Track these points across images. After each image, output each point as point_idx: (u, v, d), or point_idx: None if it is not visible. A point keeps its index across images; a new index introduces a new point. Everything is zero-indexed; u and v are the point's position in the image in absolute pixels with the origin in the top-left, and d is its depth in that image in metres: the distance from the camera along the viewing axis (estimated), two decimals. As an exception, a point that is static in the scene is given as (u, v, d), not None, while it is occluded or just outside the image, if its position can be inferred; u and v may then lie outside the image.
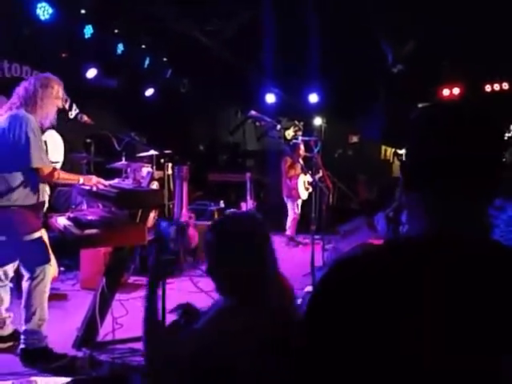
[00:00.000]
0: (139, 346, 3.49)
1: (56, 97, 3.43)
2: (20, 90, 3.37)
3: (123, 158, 5.90)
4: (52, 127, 4.19)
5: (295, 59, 8.62)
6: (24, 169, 3.24)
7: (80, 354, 3.27)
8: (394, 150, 12.60)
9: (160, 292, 2.32)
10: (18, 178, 3.26)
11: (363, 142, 11.53)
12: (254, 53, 8.63)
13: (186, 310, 2.12)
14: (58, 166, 3.95)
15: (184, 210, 6.67)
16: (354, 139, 12.00)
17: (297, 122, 11.64)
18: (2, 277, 3.52)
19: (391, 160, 12.99)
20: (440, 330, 0.79)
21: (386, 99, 10.00)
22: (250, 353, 1.56)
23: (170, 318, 2.14)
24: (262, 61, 8.75)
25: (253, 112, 4.95)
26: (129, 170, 5.98)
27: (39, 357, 3.22)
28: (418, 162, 0.91)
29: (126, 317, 4.18)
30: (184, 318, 2.04)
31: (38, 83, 3.36)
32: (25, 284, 3.33)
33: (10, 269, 3.58)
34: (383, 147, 12.32)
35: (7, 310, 3.58)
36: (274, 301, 1.68)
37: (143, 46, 7.81)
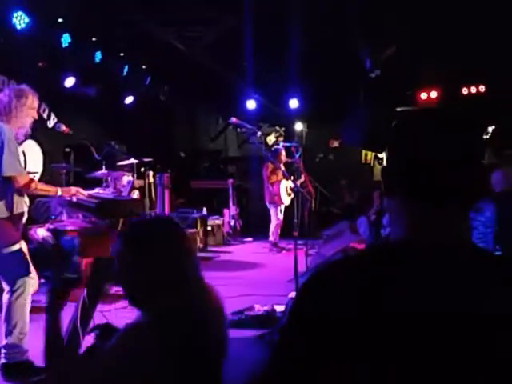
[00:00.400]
0: (122, 357, 3.45)
1: (31, 107, 3.41)
2: None
3: (103, 167, 5.86)
4: (31, 137, 4.15)
5: (275, 65, 8.65)
6: None
7: (62, 368, 3.21)
8: (374, 153, 12.70)
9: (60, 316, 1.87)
10: None
11: (344, 146, 11.61)
12: (234, 59, 8.64)
13: (104, 330, 1.92)
14: (37, 176, 3.90)
15: (166, 218, 6.64)
16: (335, 144, 12.08)
17: (278, 128, 11.70)
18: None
19: (372, 164, 13.10)
20: (418, 339, 0.79)
21: (366, 104, 10.08)
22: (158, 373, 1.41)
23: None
24: (242, 67, 8.77)
25: (233, 119, 4.95)
26: (109, 179, 5.95)
27: (20, 371, 3.16)
28: (397, 167, 0.91)
29: (109, 328, 4.13)
30: (101, 340, 1.83)
31: (13, 94, 3.36)
32: (5, 297, 3.27)
33: None
34: (364, 151, 12.41)
35: None
36: (195, 312, 1.54)
37: (121, 54, 7.77)
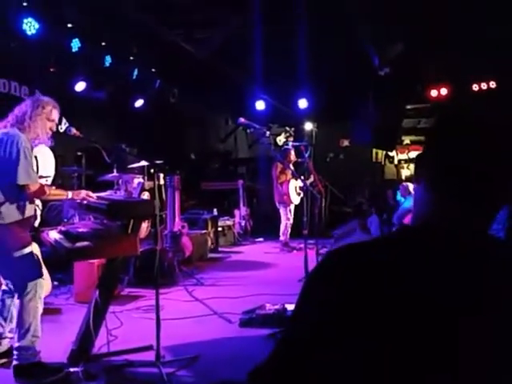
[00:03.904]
0: (134, 356, 3.49)
1: (47, 117, 3.40)
2: (16, 109, 3.40)
3: (114, 170, 5.91)
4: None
5: (283, 66, 8.67)
6: (11, 185, 3.22)
7: (75, 367, 3.25)
8: (385, 152, 12.65)
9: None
10: (5, 193, 3.25)
11: (354, 145, 11.58)
12: (243, 60, 8.66)
13: None
14: (50, 180, 3.94)
15: (177, 219, 6.67)
16: (345, 143, 12.05)
17: (287, 128, 11.71)
18: (7, 288, 3.49)
19: (383, 162, 13.04)
20: (413, 324, 0.81)
21: (375, 102, 10.05)
22: None
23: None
24: (250, 68, 8.79)
25: (241, 119, 4.97)
26: (120, 181, 6.00)
27: (34, 372, 3.20)
28: (437, 162, 0.92)
29: (121, 328, 4.18)
30: None
31: (30, 103, 3.39)
32: (16, 301, 3.30)
33: None
34: (374, 150, 12.36)
35: (11, 330, 3.53)
36: None
37: (131, 58, 7.83)
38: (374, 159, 12.64)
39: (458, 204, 0.89)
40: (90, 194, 3.60)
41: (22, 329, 3.23)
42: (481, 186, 0.88)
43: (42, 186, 3.38)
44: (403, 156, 13.03)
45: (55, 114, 3.47)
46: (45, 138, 3.46)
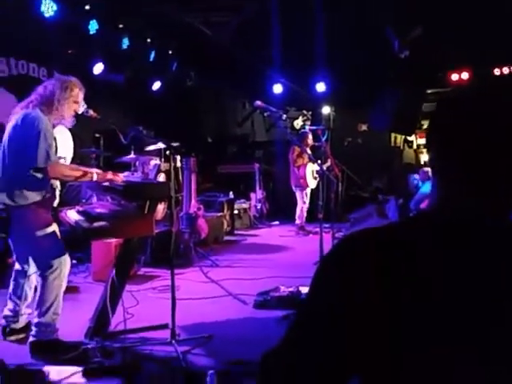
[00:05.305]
0: (150, 334, 3.56)
1: (74, 100, 3.39)
2: (40, 89, 3.38)
3: (132, 152, 5.95)
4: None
5: (301, 49, 8.58)
6: (31, 167, 3.23)
7: (92, 344, 3.33)
8: (403, 136, 12.50)
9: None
10: (25, 175, 3.25)
11: (372, 130, 11.45)
12: (261, 43, 8.60)
13: None
14: (68, 161, 3.96)
15: (193, 201, 6.72)
16: (363, 127, 11.93)
17: (305, 112, 11.61)
18: (20, 268, 3.54)
19: (402, 147, 12.89)
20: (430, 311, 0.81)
21: (395, 86, 9.90)
22: None
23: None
24: (268, 51, 8.72)
25: (258, 102, 4.94)
26: (137, 163, 6.05)
27: (51, 348, 3.26)
28: (437, 145, 0.91)
29: (137, 307, 4.25)
30: None
31: (58, 84, 3.35)
32: (38, 279, 3.33)
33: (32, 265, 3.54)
34: (393, 134, 12.22)
35: (28, 306, 3.61)
36: None
37: (148, 40, 7.83)
38: (392, 144, 12.51)
39: (463, 189, 0.87)
40: (118, 175, 3.59)
41: (44, 306, 3.26)
42: (484, 170, 0.86)
43: (63, 168, 3.38)
44: (422, 141, 12.87)
45: (81, 96, 3.46)
46: (70, 119, 3.46)
